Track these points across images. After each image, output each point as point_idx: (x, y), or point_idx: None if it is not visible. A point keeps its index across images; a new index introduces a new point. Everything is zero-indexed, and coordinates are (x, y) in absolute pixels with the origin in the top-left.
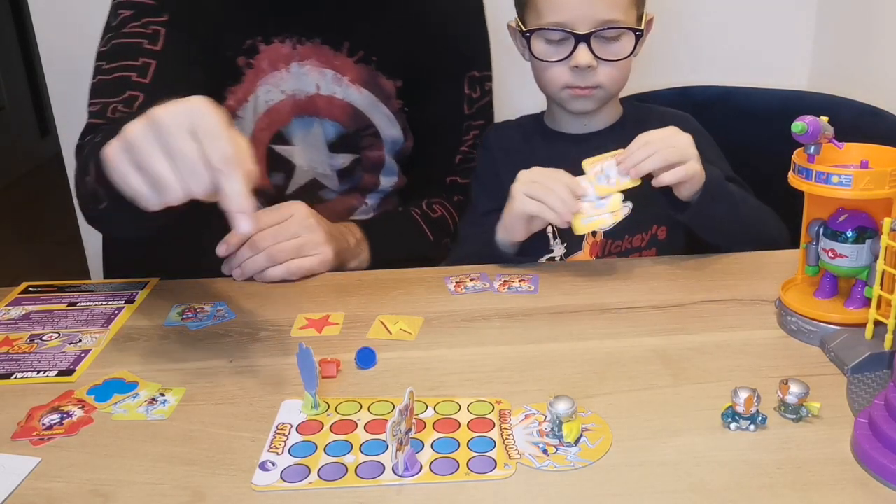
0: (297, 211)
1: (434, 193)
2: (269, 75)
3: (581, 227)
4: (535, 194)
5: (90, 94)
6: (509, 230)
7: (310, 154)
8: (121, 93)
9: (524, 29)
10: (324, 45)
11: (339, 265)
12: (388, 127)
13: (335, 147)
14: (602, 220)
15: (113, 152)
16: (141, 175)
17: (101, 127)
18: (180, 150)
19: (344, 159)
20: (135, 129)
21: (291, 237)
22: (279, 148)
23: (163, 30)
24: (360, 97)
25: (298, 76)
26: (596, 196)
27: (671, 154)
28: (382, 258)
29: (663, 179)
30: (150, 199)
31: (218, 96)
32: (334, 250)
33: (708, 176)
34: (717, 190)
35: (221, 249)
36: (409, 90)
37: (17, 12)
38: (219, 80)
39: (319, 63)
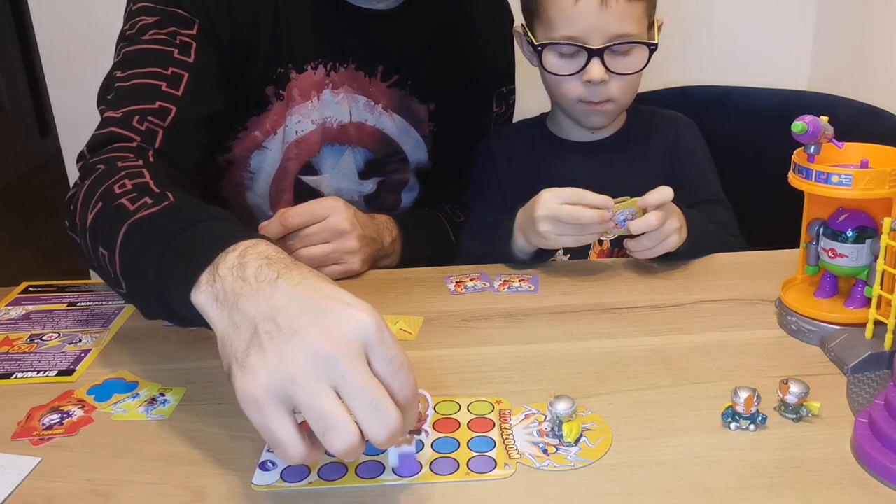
0: (333, 213)
1: (453, 203)
2: (299, 105)
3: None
4: (565, 231)
5: (102, 99)
6: (531, 242)
7: (338, 183)
8: (149, 101)
9: (536, 43)
10: (358, 70)
11: (371, 265)
12: (416, 151)
13: (364, 174)
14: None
15: (265, 387)
16: (292, 421)
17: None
18: (363, 387)
19: (371, 185)
20: (297, 361)
21: (321, 242)
22: (307, 179)
23: (194, 43)
24: (391, 123)
25: (331, 104)
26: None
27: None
28: (410, 256)
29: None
30: (300, 452)
31: (240, 126)
32: (365, 258)
33: (691, 231)
34: (700, 241)
35: None
36: (440, 112)
37: (17, 12)
38: (243, 109)
39: (352, 90)
